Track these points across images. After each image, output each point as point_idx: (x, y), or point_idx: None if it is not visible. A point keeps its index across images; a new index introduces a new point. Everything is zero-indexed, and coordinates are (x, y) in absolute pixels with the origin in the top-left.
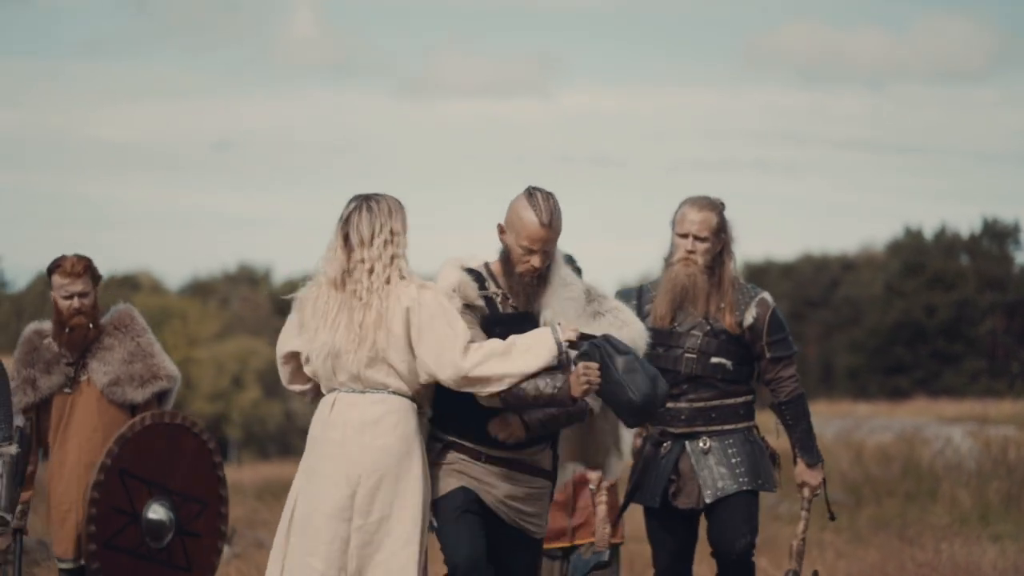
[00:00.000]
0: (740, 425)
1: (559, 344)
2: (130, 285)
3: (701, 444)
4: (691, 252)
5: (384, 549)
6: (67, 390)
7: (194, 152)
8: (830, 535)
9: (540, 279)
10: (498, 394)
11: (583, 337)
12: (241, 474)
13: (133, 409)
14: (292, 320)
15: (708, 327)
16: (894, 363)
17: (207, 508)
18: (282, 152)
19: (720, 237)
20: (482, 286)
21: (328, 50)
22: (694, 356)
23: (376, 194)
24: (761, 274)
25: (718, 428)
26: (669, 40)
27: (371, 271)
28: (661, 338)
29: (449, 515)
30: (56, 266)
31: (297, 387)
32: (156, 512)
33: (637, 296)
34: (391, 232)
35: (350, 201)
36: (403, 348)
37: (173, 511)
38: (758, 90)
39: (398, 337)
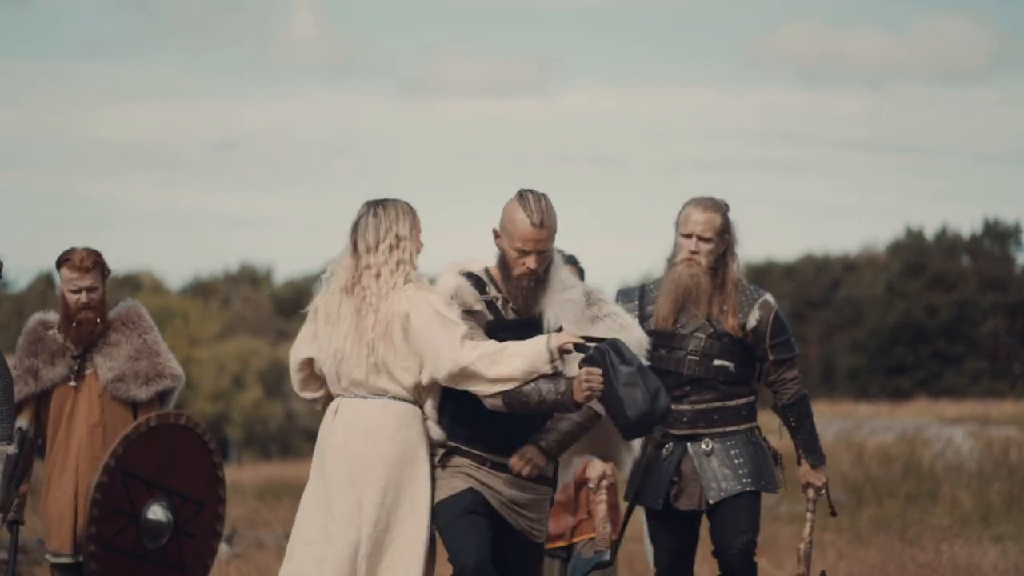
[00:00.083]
0: (742, 426)
1: (551, 351)
2: (131, 285)
3: (703, 446)
4: (694, 253)
5: (390, 555)
6: (72, 383)
7: (194, 152)
8: (831, 536)
9: (538, 282)
10: (500, 395)
11: (590, 340)
12: (242, 474)
13: (135, 406)
14: (307, 328)
15: (711, 329)
16: (895, 364)
17: (205, 508)
18: (282, 152)
19: (724, 238)
20: (482, 291)
21: (328, 50)
22: (697, 358)
23: (386, 199)
24: (762, 275)
25: (720, 430)
26: (669, 40)
27: (378, 276)
28: (663, 340)
29: (456, 516)
30: (65, 259)
31: (309, 394)
32: (155, 513)
33: (639, 296)
34: (396, 237)
35: (361, 207)
36: (404, 353)
37: (172, 512)
38: (758, 90)
39: (399, 342)
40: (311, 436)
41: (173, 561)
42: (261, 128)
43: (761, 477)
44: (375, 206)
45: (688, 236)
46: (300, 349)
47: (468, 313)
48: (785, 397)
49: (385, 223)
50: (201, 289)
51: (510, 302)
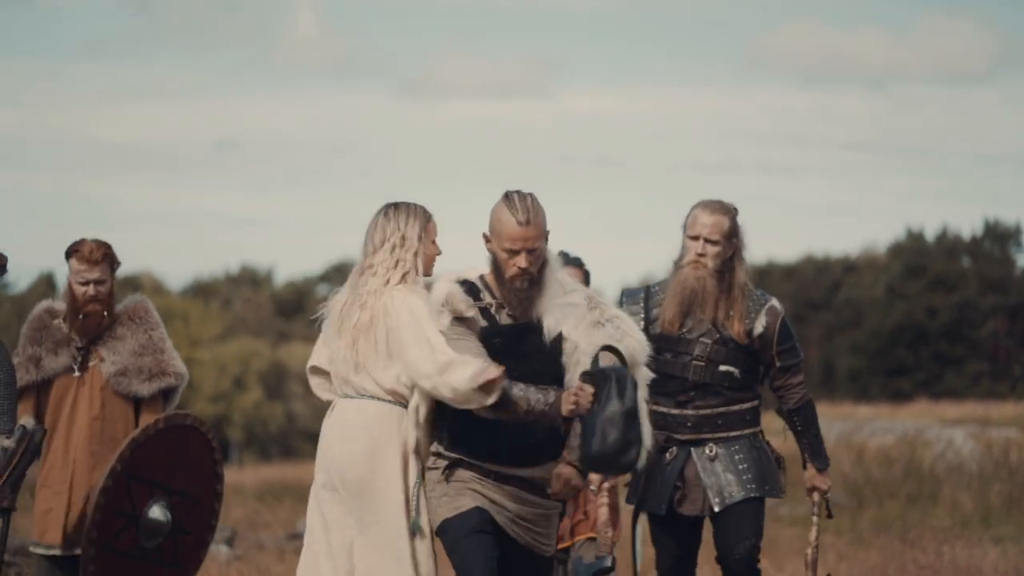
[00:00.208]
0: (746, 431)
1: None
2: (132, 286)
3: (707, 451)
4: (701, 255)
5: (367, 560)
6: (76, 374)
7: (194, 152)
8: (831, 537)
9: (533, 284)
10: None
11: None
12: (242, 475)
13: (137, 402)
14: (322, 334)
15: (717, 335)
16: (895, 365)
17: (201, 504)
18: (282, 152)
19: (731, 242)
20: (476, 297)
21: (329, 50)
22: (702, 364)
23: (402, 202)
24: (762, 276)
25: (724, 435)
26: (669, 41)
27: (376, 275)
28: (669, 344)
29: (463, 535)
30: (74, 250)
31: (325, 397)
32: (155, 513)
33: (644, 298)
34: (402, 237)
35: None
36: (385, 353)
37: (171, 511)
38: (759, 91)
39: (381, 341)
40: (312, 437)
41: (168, 558)
42: (261, 128)
43: (765, 482)
44: (389, 208)
45: (695, 238)
46: (314, 354)
47: (459, 320)
48: (791, 402)
49: (394, 223)
50: (201, 290)
51: (505, 307)
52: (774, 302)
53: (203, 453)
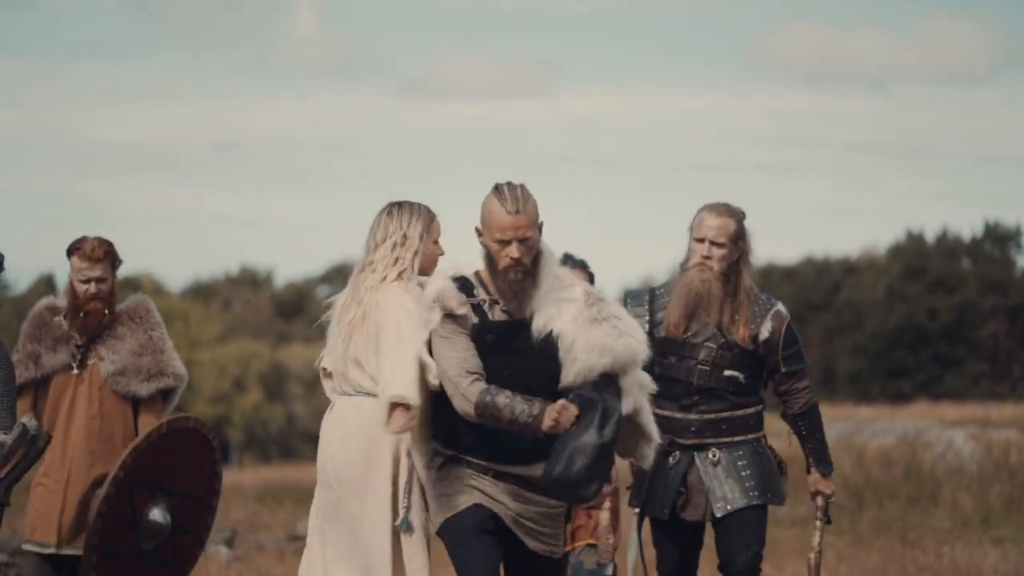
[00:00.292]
0: (750, 436)
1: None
2: (132, 287)
3: (710, 456)
4: (707, 257)
5: (336, 548)
6: (74, 372)
7: (194, 152)
8: (832, 538)
9: (527, 275)
10: (475, 407)
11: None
12: (242, 477)
13: (136, 402)
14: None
15: (722, 339)
16: (896, 366)
17: (200, 504)
18: (282, 153)
19: (738, 245)
20: (470, 293)
21: (329, 51)
22: (707, 368)
23: (406, 201)
24: (763, 277)
25: (728, 440)
26: (669, 41)
27: (374, 271)
28: (674, 348)
29: (463, 535)
30: (76, 248)
31: (334, 397)
32: (156, 515)
33: (649, 301)
34: (404, 236)
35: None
36: (376, 348)
37: (171, 512)
38: (759, 92)
39: (372, 336)
40: (312, 439)
41: (167, 559)
42: (262, 129)
43: (768, 490)
44: (393, 206)
45: (701, 241)
46: (323, 356)
47: (451, 317)
48: (796, 407)
49: (396, 222)
50: (201, 291)
51: (499, 303)
52: (780, 307)
53: (203, 454)
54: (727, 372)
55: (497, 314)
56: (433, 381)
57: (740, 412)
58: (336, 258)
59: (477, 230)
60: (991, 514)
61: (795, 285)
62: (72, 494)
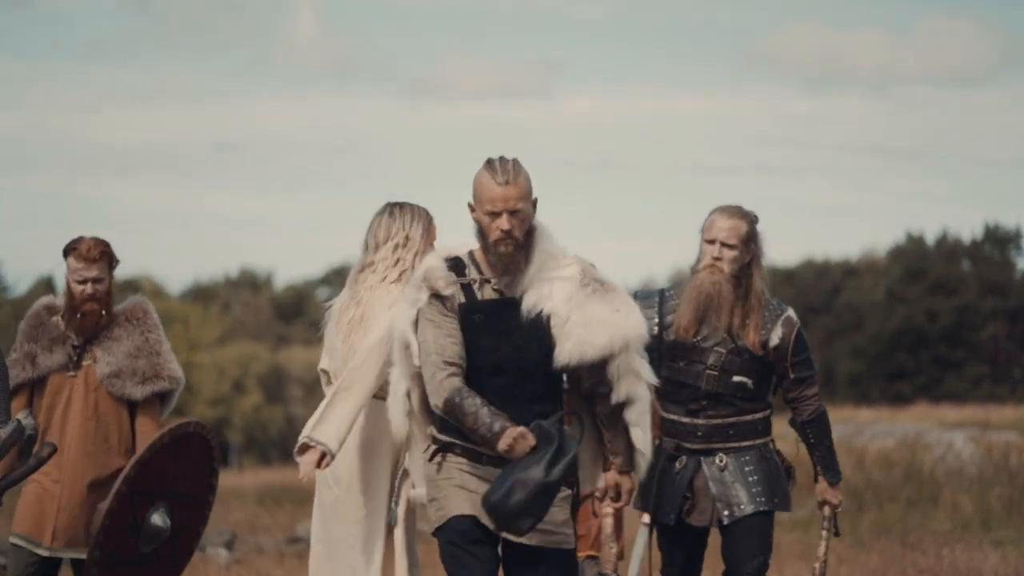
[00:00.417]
0: (757, 441)
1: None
2: (131, 289)
3: (717, 461)
4: (717, 259)
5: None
6: (70, 373)
7: (194, 153)
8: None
9: (518, 250)
10: (443, 401)
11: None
12: (242, 479)
13: (131, 405)
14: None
15: (732, 344)
16: (896, 369)
17: (198, 500)
18: (283, 153)
19: (749, 248)
20: (461, 272)
21: (329, 51)
22: (716, 373)
23: (405, 202)
24: None
25: (735, 445)
26: (670, 43)
27: (375, 272)
28: (683, 351)
29: (455, 543)
30: (72, 248)
31: None
32: (156, 520)
33: (659, 303)
34: (406, 237)
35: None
36: None
37: (171, 515)
38: (759, 93)
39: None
40: None
41: (166, 560)
42: (262, 129)
43: (775, 495)
44: (394, 207)
45: (712, 242)
46: (322, 357)
47: (438, 297)
48: (805, 414)
49: (399, 223)
50: (201, 294)
51: (491, 282)
52: (790, 312)
53: (202, 454)
54: (736, 377)
55: (488, 293)
56: (416, 363)
57: (748, 417)
58: (336, 260)
59: (469, 205)
60: (991, 516)
61: (795, 288)
62: (67, 495)
